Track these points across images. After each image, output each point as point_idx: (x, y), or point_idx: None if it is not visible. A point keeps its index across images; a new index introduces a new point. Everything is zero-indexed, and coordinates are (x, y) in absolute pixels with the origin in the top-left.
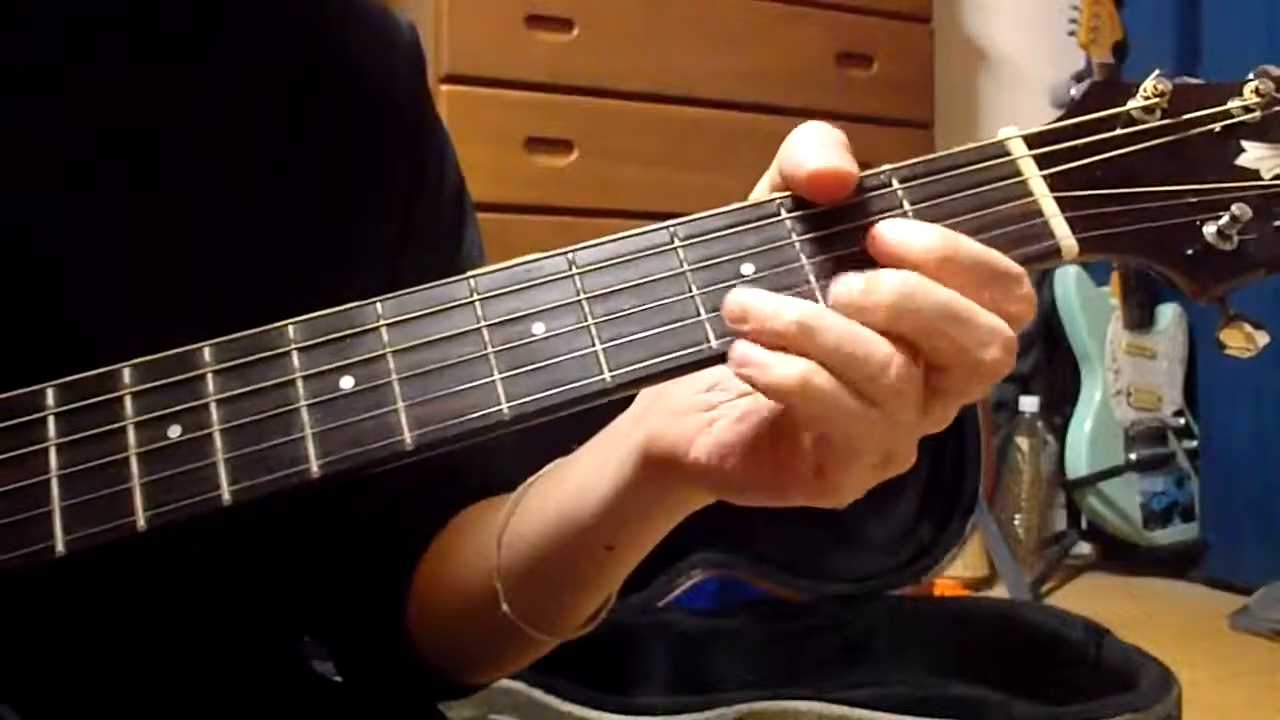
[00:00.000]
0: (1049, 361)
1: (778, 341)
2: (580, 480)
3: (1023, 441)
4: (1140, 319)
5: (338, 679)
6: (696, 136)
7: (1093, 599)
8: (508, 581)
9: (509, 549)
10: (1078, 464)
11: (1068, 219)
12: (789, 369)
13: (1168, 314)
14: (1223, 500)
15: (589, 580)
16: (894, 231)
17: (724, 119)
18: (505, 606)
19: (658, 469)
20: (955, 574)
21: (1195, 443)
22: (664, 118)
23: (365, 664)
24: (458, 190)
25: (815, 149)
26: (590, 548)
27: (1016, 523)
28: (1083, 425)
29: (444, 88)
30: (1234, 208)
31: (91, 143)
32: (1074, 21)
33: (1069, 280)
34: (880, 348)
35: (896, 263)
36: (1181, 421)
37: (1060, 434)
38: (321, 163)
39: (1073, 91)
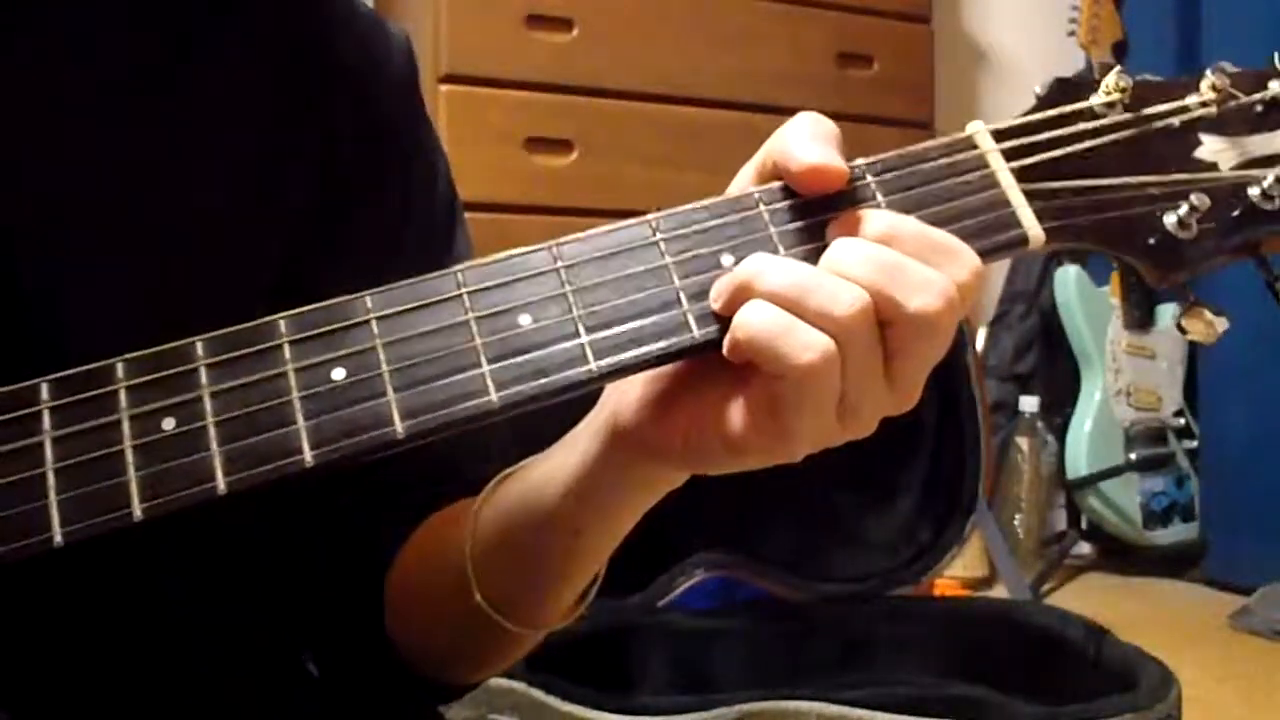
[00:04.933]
0: (1049, 361)
1: (741, 294)
2: (548, 466)
3: (1023, 441)
4: (1140, 319)
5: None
6: (696, 136)
7: (1093, 599)
8: (479, 570)
9: (480, 537)
10: (1078, 464)
11: (1034, 209)
12: (753, 306)
13: (1168, 314)
14: (1223, 500)
15: (558, 568)
16: (846, 216)
17: (724, 119)
18: (478, 596)
19: (622, 442)
20: (955, 574)
21: (1195, 443)
22: (664, 118)
23: (346, 663)
24: (449, 197)
25: (811, 143)
26: (557, 533)
27: (1016, 523)
28: (1083, 425)
29: (444, 88)
30: (1193, 198)
31: (87, 143)
32: (1074, 21)
33: (1069, 280)
34: (830, 279)
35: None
36: (1181, 421)
37: (1060, 434)
38: (314, 168)
39: (1036, 89)
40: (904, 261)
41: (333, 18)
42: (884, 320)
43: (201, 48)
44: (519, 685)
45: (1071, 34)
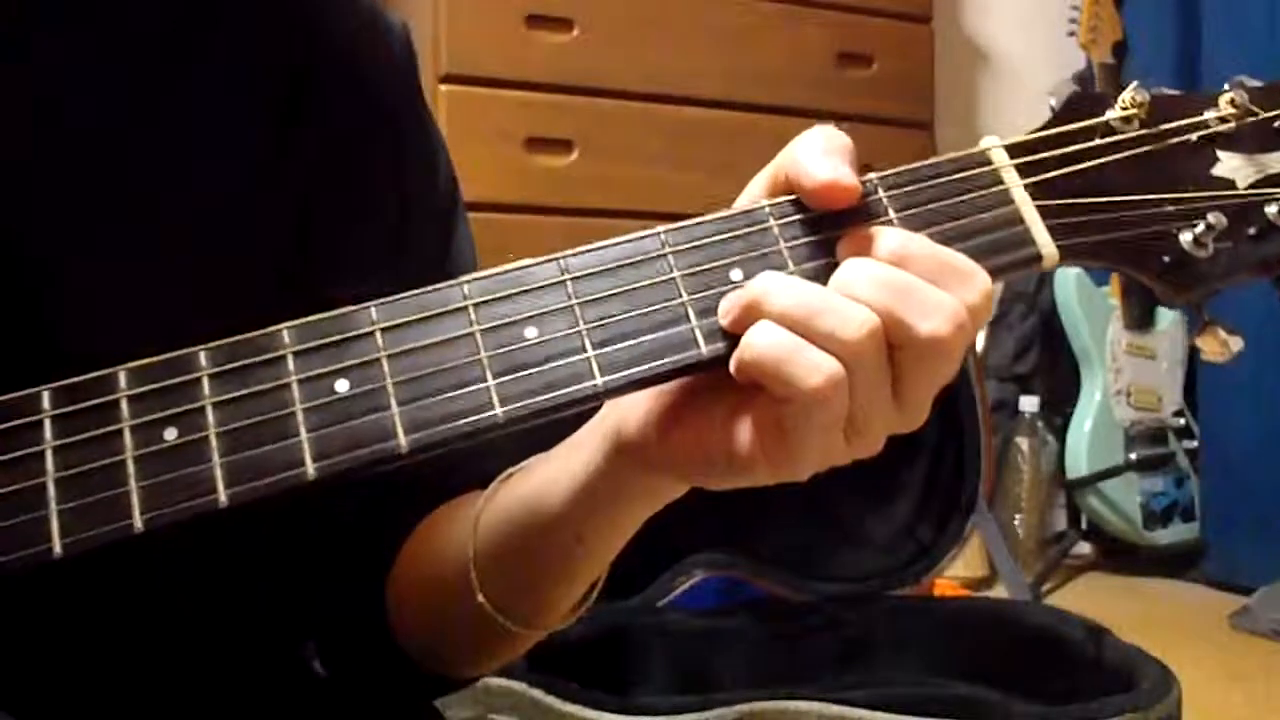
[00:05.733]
0: (1049, 361)
1: (749, 312)
2: (551, 471)
3: (1023, 441)
4: (1140, 319)
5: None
6: (696, 136)
7: (1093, 599)
8: (482, 572)
9: (482, 540)
10: (1078, 464)
11: (1048, 227)
12: (761, 327)
13: (1168, 314)
14: (1223, 500)
15: (560, 572)
16: (857, 234)
17: (724, 119)
18: (480, 597)
19: (626, 453)
20: (955, 574)
21: (1195, 443)
22: (664, 118)
23: (349, 658)
24: (449, 190)
25: (824, 158)
26: (559, 538)
27: (1016, 523)
28: (1083, 425)
29: (444, 88)
30: (1210, 216)
31: (88, 142)
32: (1074, 21)
33: (1069, 280)
34: (839, 301)
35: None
36: (1181, 421)
37: (1060, 434)
38: (315, 163)
39: (1051, 101)
40: (915, 284)
41: (332, 9)
42: (893, 343)
43: (201, 42)
44: (519, 685)
45: (1071, 34)
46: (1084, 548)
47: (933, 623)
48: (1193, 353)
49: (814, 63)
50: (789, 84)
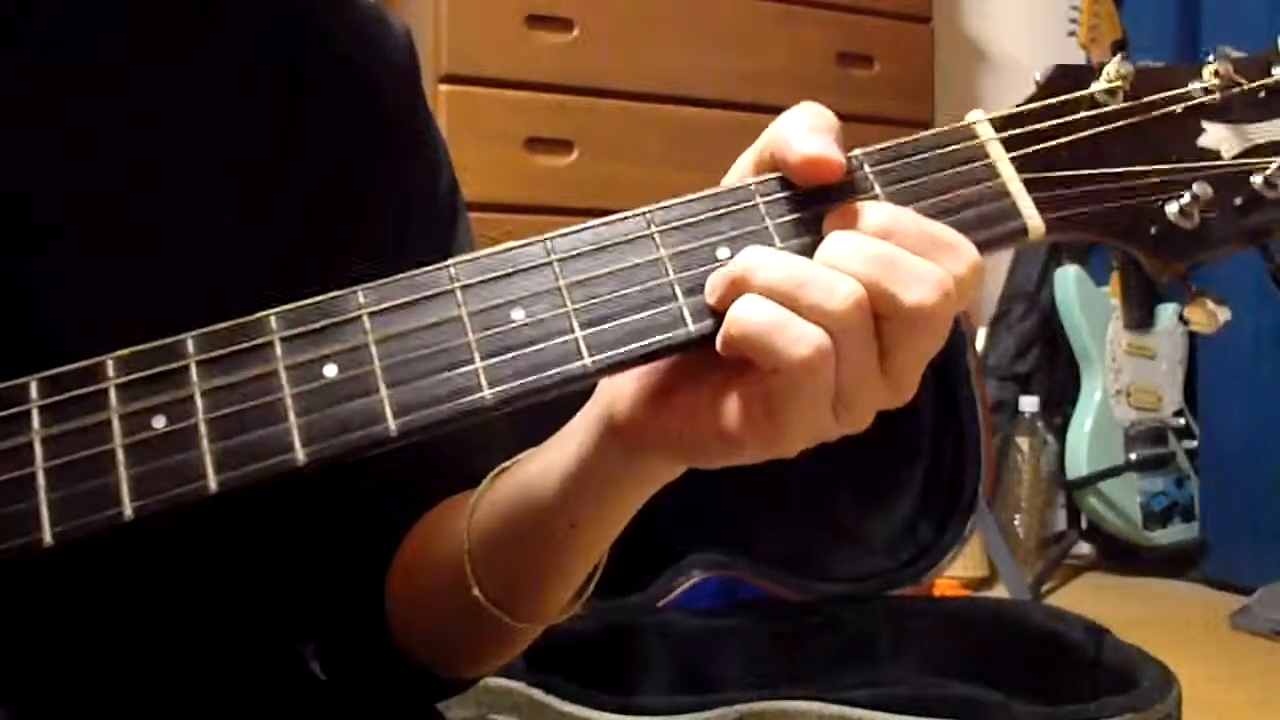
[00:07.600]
0: (1049, 361)
1: (735, 288)
2: (544, 459)
3: (1023, 441)
4: (1140, 319)
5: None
6: (696, 136)
7: (1093, 599)
8: (477, 563)
9: (477, 531)
10: (1078, 464)
11: (1034, 199)
12: (747, 301)
13: (1168, 314)
14: (1223, 500)
15: (555, 561)
16: (843, 209)
17: (724, 119)
18: (475, 589)
19: (617, 435)
20: (955, 574)
21: (1195, 443)
22: (664, 118)
23: (347, 659)
24: (450, 189)
25: (809, 134)
26: (553, 526)
27: (1016, 523)
28: (1083, 425)
29: (444, 88)
30: (1195, 187)
31: (88, 140)
32: (1074, 21)
33: (1069, 280)
34: (825, 273)
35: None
36: (1181, 421)
37: (1060, 434)
38: (316, 163)
39: (1037, 75)
40: (900, 255)
41: (333, 10)
42: (880, 314)
43: (202, 43)
44: (519, 685)
45: (1072, 34)
46: (1084, 548)
47: (933, 623)
48: (1192, 353)
49: (814, 63)
50: (789, 84)
